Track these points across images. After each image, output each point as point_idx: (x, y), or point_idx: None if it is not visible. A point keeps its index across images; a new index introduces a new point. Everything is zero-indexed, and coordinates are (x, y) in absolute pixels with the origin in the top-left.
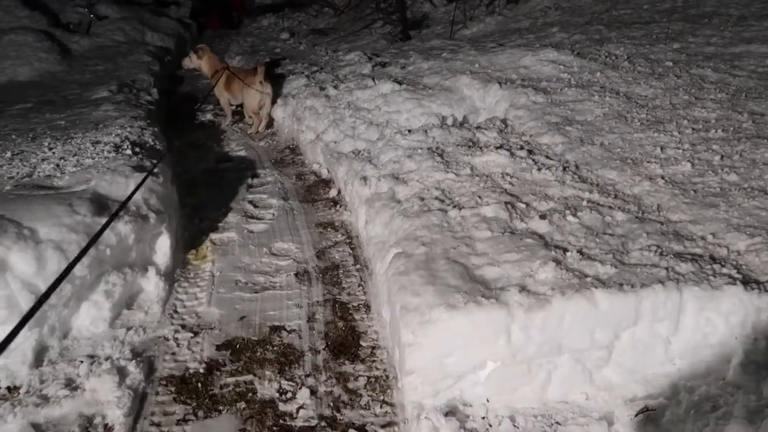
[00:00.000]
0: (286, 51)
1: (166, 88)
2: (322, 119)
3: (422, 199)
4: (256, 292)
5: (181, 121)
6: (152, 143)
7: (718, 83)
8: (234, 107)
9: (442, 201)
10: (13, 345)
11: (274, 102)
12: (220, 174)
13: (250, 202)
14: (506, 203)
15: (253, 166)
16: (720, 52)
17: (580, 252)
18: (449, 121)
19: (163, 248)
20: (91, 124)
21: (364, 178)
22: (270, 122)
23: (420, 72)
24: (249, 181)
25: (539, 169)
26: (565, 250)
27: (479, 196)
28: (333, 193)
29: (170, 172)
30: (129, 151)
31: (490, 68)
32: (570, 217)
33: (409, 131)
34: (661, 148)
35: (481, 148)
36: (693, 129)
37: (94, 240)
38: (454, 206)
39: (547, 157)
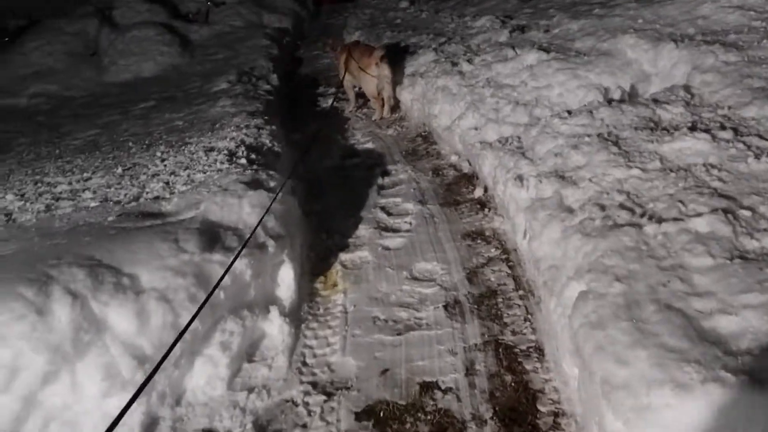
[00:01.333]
0: (408, 21)
1: (286, 72)
2: (457, 101)
3: (602, 207)
4: (398, 334)
5: (302, 109)
6: (270, 145)
7: None
8: (357, 90)
9: (631, 210)
10: None
11: (396, 83)
12: (347, 172)
13: (383, 208)
14: (724, 211)
15: (383, 160)
16: None
17: None
18: (616, 95)
19: (286, 280)
20: (208, 124)
21: (520, 178)
22: (396, 105)
23: (569, 35)
24: (379, 180)
25: (757, 157)
26: None
27: (682, 202)
28: (478, 192)
29: (291, 182)
30: (244, 160)
31: (659, 22)
32: None
33: (569, 113)
34: None
35: (668, 130)
36: None
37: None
38: (650, 218)
39: (762, 137)
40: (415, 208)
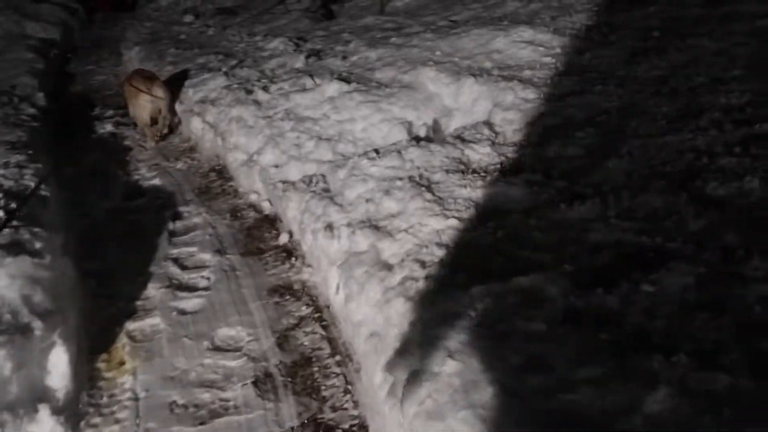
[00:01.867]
0: (193, 38)
1: (55, 90)
2: (254, 135)
3: (423, 264)
4: (202, 423)
5: (75, 136)
6: (35, 189)
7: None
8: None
9: (454, 269)
10: None
11: (172, 107)
12: (131, 216)
13: (175, 260)
14: (548, 267)
15: (173, 200)
16: (708, 14)
17: None
18: (422, 132)
19: (59, 366)
20: None
21: (330, 227)
22: (170, 131)
23: (368, 64)
24: (170, 225)
25: (570, 203)
26: None
27: (503, 255)
28: (283, 238)
29: (61, 237)
30: (1, 212)
31: (456, 55)
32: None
33: (377, 153)
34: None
35: (478, 173)
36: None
37: None
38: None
39: (566, 178)
40: (213, 259)
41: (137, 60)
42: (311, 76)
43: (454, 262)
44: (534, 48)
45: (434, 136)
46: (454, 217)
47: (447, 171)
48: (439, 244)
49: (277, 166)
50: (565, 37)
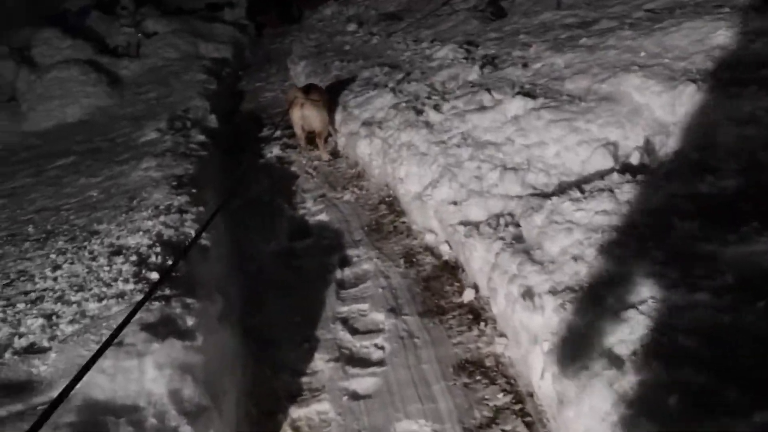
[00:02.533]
0: (358, 48)
1: (226, 110)
2: (428, 163)
3: (664, 359)
4: None
5: (242, 161)
6: (194, 238)
7: None
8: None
9: (720, 375)
10: None
11: (329, 123)
12: (296, 260)
13: (344, 321)
14: None
15: (341, 240)
16: None
17: None
18: (632, 156)
19: None
20: (125, 199)
21: (529, 294)
22: (333, 150)
23: (555, 72)
24: (338, 273)
25: None
26: None
27: None
28: (468, 295)
29: (220, 302)
30: (155, 273)
31: (667, 55)
32: None
33: (582, 192)
34: None
35: (721, 217)
36: None
37: None
38: None
39: None
40: (387, 320)
41: (304, 75)
42: (488, 90)
43: (718, 362)
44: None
45: (649, 160)
46: (702, 289)
47: (679, 215)
48: (688, 331)
49: (455, 203)
50: None
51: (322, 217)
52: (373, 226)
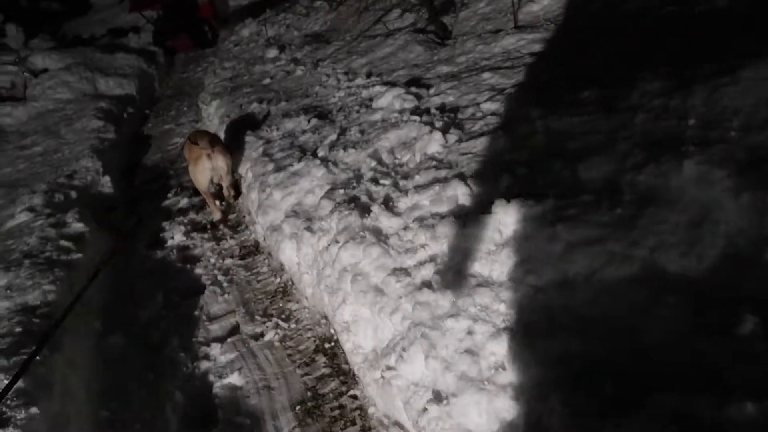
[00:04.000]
0: (279, 80)
1: (127, 163)
2: (387, 310)
3: None
4: None
5: (131, 263)
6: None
7: None
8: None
9: None
10: None
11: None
12: None
13: None
14: None
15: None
16: None
17: None
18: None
19: None
20: None
21: None
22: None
23: (555, 146)
24: None
25: None
26: None
27: None
28: None
29: None
30: None
31: (728, 123)
32: None
33: None
34: None
35: None
36: None
37: None
38: None
39: None
40: None
41: (217, 117)
42: (463, 179)
43: None
44: None
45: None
46: None
47: None
48: None
49: (439, 397)
50: None
51: (234, 379)
52: (309, 403)
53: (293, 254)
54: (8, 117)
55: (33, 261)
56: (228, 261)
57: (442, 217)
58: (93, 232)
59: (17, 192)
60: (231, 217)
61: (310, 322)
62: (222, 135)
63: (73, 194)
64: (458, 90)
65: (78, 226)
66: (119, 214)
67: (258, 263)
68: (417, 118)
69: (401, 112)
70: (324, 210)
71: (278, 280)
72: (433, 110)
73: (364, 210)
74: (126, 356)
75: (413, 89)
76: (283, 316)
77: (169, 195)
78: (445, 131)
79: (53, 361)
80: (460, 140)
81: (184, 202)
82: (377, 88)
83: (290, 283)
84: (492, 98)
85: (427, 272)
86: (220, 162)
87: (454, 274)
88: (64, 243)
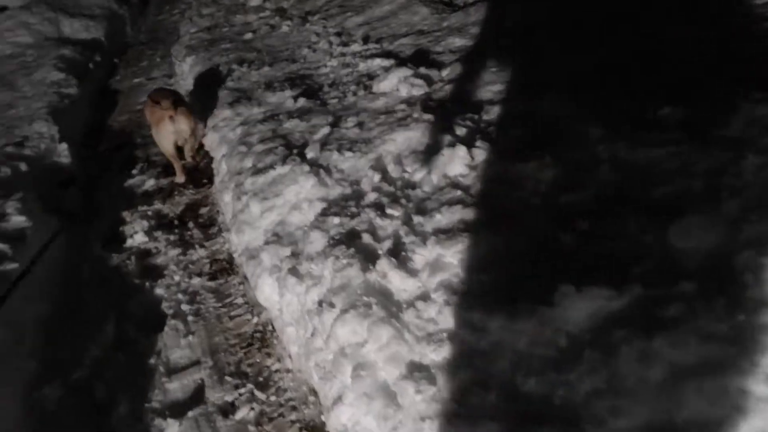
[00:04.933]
0: (262, 36)
1: (89, 125)
2: (405, 424)
3: None
4: None
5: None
6: None
7: None
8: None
9: None
10: None
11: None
12: None
13: None
14: None
15: None
16: None
17: None
18: None
19: None
20: None
21: None
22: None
23: (631, 186)
24: None
25: None
26: None
27: None
28: None
29: None
30: None
31: None
32: None
33: None
34: None
35: None
36: None
37: None
38: None
39: None
40: None
41: (191, 77)
42: (505, 238)
43: None
44: None
45: None
46: None
47: None
48: None
49: None
50: None
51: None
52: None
53: (274, 295)
54: None
55: None
56: (195, 281)
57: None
58: (36, 227)
59: None
60: (203, 211)
61: (295, 396)
62: (195, 101)
63: (23, 167)
64: (478, 76)
65: (18, 221)
66: (75, 192)
67: (231, 289)
68: (430, 116)
69: (409, 103)
70: (314, 245)
71: (255, 320)
72: (449, 105)
73: (368, 259)
74: (60, 418)
75: (422, 70)
76: (261, 380)
77: (134, 171)
78: (469, 144)
79: None
80: (490, 161)
81: (150, 183)
82: (377, 61)
83: (270, 328)
84: (523, 94)
85: (465, 375)
86: (183, 125)
87: (500, 389)
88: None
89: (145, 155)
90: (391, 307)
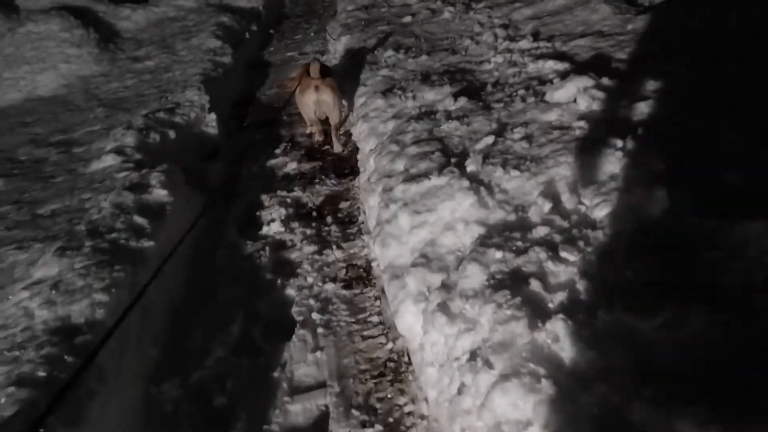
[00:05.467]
0: (421, 22)
1: (238, 97)
2: None
3: None
4: None
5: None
6: None
7: None
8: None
9: None
10: None
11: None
12: None
13: None
14: None
15: None
16: None
17: None
18: None
19: None
20: None
21: None
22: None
23: None
24: None
25: None
26: None
27: None
28: None
29: None
30: None
31: None
32: None
33: None
34: None
35: None
36: None
37: None
38: None
39: None
40: None
41: (345, 58)
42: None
43: None
44: None
45: None
46: None
47: None
48: None
49: None
50: None
51: None
52: None
53: (416, 327)
54: (126, 20)
55: (95, 244)
56: (329, 286)
57: None
58: (177, 203)
59: (116, 117)
60: (343, 206)
61: None
62: (345, 82)
63: (172, 134)
64: (677, 97)
65: (160, 195)
66: (219, 167)
67: (366, 302)
68: (617, 141)
69: (590, 119)
70: (470, 280)
71: (390, 345)
72: (642, 132)
73: (537, 313)
74: (176, 423)
75: (605, 81)
76: (391, 421)
77: (277, 151)
78: (668, 185)
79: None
80: (697, 212)
81: (291, 167)
82: (550, 63)
83: (405, 359)
84: (740, 127)
85: None
86: (326, 96)
87: None
88: (137, 220)
89: (290, 134)
90: (563, 382)
